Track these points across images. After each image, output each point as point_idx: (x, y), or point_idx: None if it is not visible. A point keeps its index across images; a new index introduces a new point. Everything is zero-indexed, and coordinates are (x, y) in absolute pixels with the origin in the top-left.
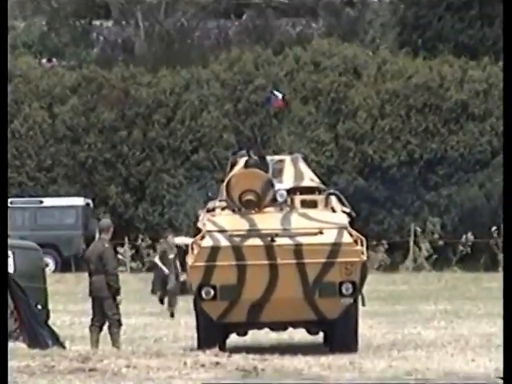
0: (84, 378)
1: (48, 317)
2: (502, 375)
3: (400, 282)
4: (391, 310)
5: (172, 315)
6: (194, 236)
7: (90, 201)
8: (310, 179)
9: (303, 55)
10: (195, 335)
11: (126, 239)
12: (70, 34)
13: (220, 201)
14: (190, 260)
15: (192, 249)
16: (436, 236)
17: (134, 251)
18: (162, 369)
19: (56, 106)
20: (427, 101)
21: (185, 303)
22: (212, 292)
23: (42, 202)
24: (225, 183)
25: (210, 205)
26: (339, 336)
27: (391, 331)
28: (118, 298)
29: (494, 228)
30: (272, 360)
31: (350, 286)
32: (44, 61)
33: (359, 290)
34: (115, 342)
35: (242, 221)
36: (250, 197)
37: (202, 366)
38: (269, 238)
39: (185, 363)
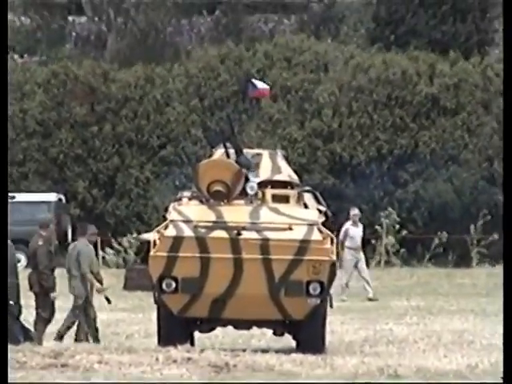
0: (56, 374)
1: (20, 312)
2: (474, 371)
3: (372, 277)
4: (363, 305)
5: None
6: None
7: (62, 196)
8: (286, 175)
9: (274, 51)
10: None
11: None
12: (42, 29)
13: (193, 192)
14: (152, 249)
15: (154, 238)
16: (405, 232)
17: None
18: (134, 364)
19: (26, 101)
20: (396, 96)
21: None
22: (173, 284)
23: (13, 197)
24: (193, 173)
25: (179, 195)
26: (305, 338)
27: (363, 327)
28: (52, 295)
29: (472, 226)
30: (244, 356)
31: (317, 285)
32: (16, 56)
33: (327, 291)
34: (38, 338)
35: (208, 212)
36: (218, 187)
37: (174, 361)
38: (235, 231)
39: (157, 359)
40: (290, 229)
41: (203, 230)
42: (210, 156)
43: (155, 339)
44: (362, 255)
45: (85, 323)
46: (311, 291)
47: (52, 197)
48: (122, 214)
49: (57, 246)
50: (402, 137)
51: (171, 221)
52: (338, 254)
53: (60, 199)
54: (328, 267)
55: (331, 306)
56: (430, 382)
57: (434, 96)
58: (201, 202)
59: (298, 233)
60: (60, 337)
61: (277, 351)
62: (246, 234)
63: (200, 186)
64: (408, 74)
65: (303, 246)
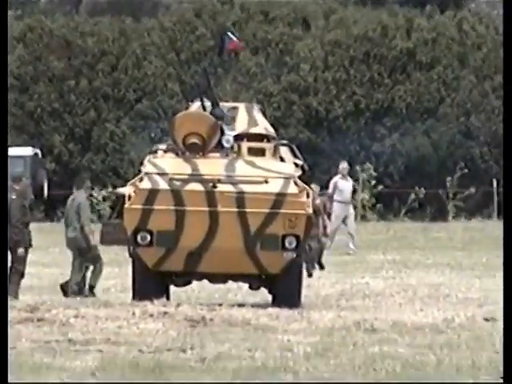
0: (32, 328)
1: None
2: (450, 325)
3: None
4: (339, 259)
5: None
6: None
7: (38, 151)
8: (263, 128)
9: (251, 5)
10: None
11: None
12: None
13: (168, 145)
14: (127, 202)
15: (129, 190)
16: (382, 186)
17: None
18: (111, 319)
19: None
20: (374, 51)
21: None
22: (148, 237)
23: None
24: (169, 125)
25: (155, 148)
26: (281, 292)
27: (339, 281)
28: (19, 250)
29: (448, 178)
30: (220, 310)
31: (293, 239)
32: None
33: (303, 245)
34: (14, 292)
35: (184, 164)
36: (194, 140)
37: (151, 315)
38: (210, 184)
39: (133, 313)
40: (266, 182)
41: (178, 183)
42: (187, 109)
43: (131, 293)
44: (351, 209)
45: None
46: (287, 245)
47: (28, 151)
48: (97, 169)
49: (33, 201)
50: (378, 91)
51: (146, 173)
52: (325, 208)
53: (36, 153)
54: (304, 221)
55: (310, 276)
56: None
57: (410, 50)
58: (176, 154)
59: (274, 186)
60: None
61: (253, 305)
62: (221, 187)
63: (176, 138)
64: (387, 28)
65: (279, 199)
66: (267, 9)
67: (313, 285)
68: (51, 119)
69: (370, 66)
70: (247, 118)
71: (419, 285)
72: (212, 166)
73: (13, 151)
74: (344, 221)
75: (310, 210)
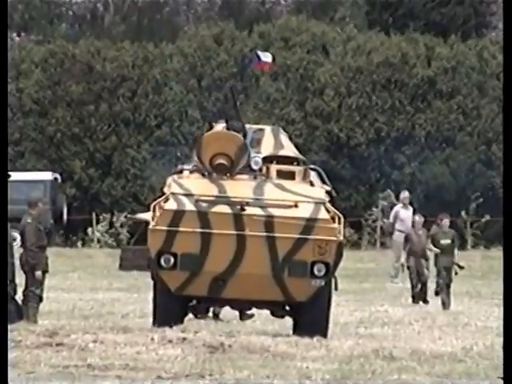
0: (51, 353)
1: (15, 292)
2: (468, 354)
3: (367, 259)
4: (358, 287)
5: None
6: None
7: (57, 175)
8: (291, 151)
9: (271, 31)
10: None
11: (94, 214)
12: (38, 8)
13: (193, 165)
14: (151, 223)
15: (154, 211)
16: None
17: (101, 226)
18: (130, 344)
19: (22, 80)
20: (395, 78)
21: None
22: (172, 260)
23: (9, 176)
24: (196, 144)
25: (179, 167)
26: (308, 321)
27: (358, 309)
28: (37, 273)
29: (464, 209)
30: (239, 337)
31: (322, 266)
32: (14, 34)
33: (333, 272)
34: (31, 315)
35: (211, 186)
36: (221, 160)
37: (170, 341)
38: (238, 207)
39: (152, 339)
40: (296, 206)
41: (205, 205)
42: (210, 129)
43: (151, 319)
44: None
45: None
46: (316, 272)
47: (48, 176)
48: (118, 194)
49: (52, 225)
50: (399, 119)
51: (172, 194)
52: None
53: (56, 178)
54: (334, 247)
55: (336, 289)
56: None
57: (431, 78)
58: (202, 175)
59: (305, 211)
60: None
61: (272, 333)
62: (249, 210)
63: (202, 158)
64: (407, 56)
65: (309, 224)
66: (286, 35)
67: (331, 312)
68: (71, 144)
69: (392, 93)
70: (273, 140)
71: (438, 313)
72: (240, 188)
73: (32, 176)
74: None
75: (341, 237)
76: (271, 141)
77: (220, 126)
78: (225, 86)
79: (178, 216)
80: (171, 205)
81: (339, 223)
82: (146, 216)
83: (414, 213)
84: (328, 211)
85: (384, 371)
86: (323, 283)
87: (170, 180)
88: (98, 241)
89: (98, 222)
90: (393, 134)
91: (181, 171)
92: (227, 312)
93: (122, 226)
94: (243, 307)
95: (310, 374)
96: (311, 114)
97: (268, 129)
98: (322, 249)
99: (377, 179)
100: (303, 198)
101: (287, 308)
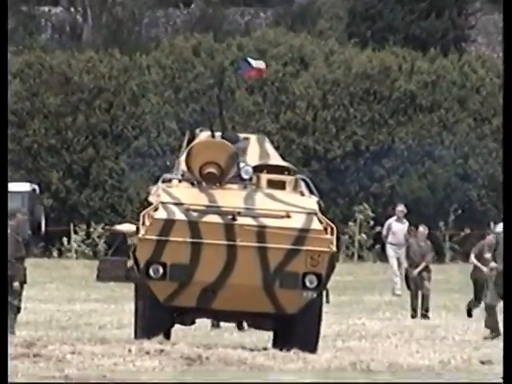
0: (28, 364)
1: None
2: (446, 367)
3: (345, 272)
4: (336, 300)
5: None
6: (143, 209)
7: (36, 186)
8: (280, 160)
9: (249, 44)
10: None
11: (72, 226)
12: (17, 19)
13: (180, 175)
14: (140, 232)
15: (143, 220)
16: (380, 227)
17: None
18: (107, 355)
19: None
20: (375, 91)
21: (129, 290)
22: (161, 270)
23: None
24: (185, 152)
25: (166, 176)
26: (297, 334)
27: (336, 322)
28: (15, 284)
29: (441, 223)
30: (216, 349)
31: (314, 278)
32: None
33: (325, 284)
34: (10, 326)
35: (201, 195)
36: (211, 169)
37: (147, 353)
38: (229, 217)
39: (129, 350)
40: (288, 216)
41: (195, 214)
42: (193, 138)
43: (128, 330)
44: (403, 252)
45: None
46: (307, 284)
47: (26, 187)
48: (96, 205)
49: (30, 236)
50: (379, 132)
51: (161, 203)
52: (338, 247)
53: (34, 189)
54: (327, 259)
55: (327, 301)
56: (402, 381)
57: (412, 92)
58: (191, 184)
59: (297, 221)
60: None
61: (249, 345)
62: (241, 220)
63: (192, 166)
64: (388, 69)
65: (302, 235)
66: (264, 47)
67: None
68: (48, 155)
69: (371, 106)
70: (259, 149)
71: (416, 326)
72: (230, 197)
73: (11, 187)
74: (399, 263)
75: (334, 248)
76: (257, 150)
77: (204, 135)
78: (211, 94)
79: (167, 225)
80: (161, 214)
81: (332, 234)
82: (123, 227)
83: (411, 225)
84: (321, 222)
85: None
86: (315, 295)
87: (158, 189)
88: (76, 251)
89: (75, 233)
90: (372, 147)
91: (169, 180)
92: (201, 322)
93: (99, 236)
94: (232, 319)
95: None
96: (285, 127)
97: (253, 138)
98: (314, 260)
99: (356, 192)
100: (295, 208)
101: (277, 320)
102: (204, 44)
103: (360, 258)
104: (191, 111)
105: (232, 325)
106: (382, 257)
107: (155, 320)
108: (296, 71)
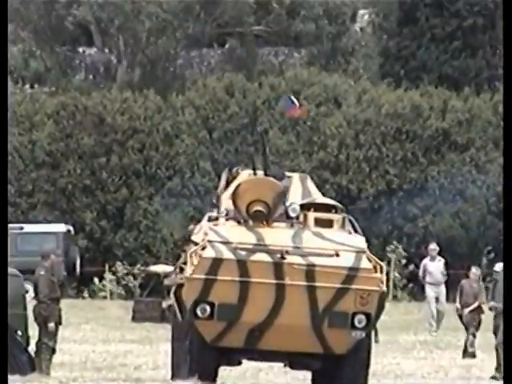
0: None
1: (28, 343)
2: None
3: None
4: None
5: None
6: (185, 248)
7: (70, 227)
8: (328, 199)
9: (281, 83)
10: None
11: (107, 266)
12: (52, 60)
13: (221, 213)
14: (188, 271)
15: (191, 259)
16: (413, 266)
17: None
18: None
19: (35, 132)
20: (407, 130)
21: (164, 331)
22: (209, 310)
23: (22, 228)
24: (232, 190)
25: (212, 214)
26: (346, 375)
27: (371, 361)
28: (50, 325)
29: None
30: None
31: (363, 317)
32: (27, 86)
33: (374, 324)
34: (44, 367)
35: (248, 233)
36: (259, 208)
37: None
38: (278, 255)
39: None
40: (337, 255)
41: (244, 253)
42: (233, 177)
43: (163, 371)
44: (442, 289)
45: None
46: (356, 323)
47: (60, 227)
48: (130, 246)
49: (65, 277)
50: (411, 171)
51: (209, 241)
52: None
53: (69, 230)
54: (376, 298)
55: (376, 341)
56: None
57: (445, 131)
58: (238, 222)
59: (346, 260)
60: None
61: None
62: (289, 259)
63: (239, 204)
64: (420, 108)
65: (351, 274)
66: (297, 88)
67: None
68: (83, 196)
69: (403, 144)
70: (301, 187)
71: (450, 366)
72: (278, 236)
73: (45, 228)
74: (437, 302)
75: (384, 287)
76: (299, 188)
77: (246, 173)
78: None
79: (216, 264)
80: (209, 253)
81: (381, 272)
82: (158, 268)
83: (447, 264)
84: (369, 260)
85: None
86: (364, 335)
87: (201, 227)
88: (111, 293)
89: (112, 274)
90: (405, 185)
91: (216, 218)
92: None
93: (134, 277)
94: (279, 359)
95: None
96: (319, 166)
97: (296, 176)
98: (363, 299)
99: (389, 232)
100: (343, 246)
101: (325, 360)
102: (237, 84)
103: (394, 297)
104: (225, 151)
105: (267, 364)
106: (417, 296)
107: (202, 361)
108: (330, 111)
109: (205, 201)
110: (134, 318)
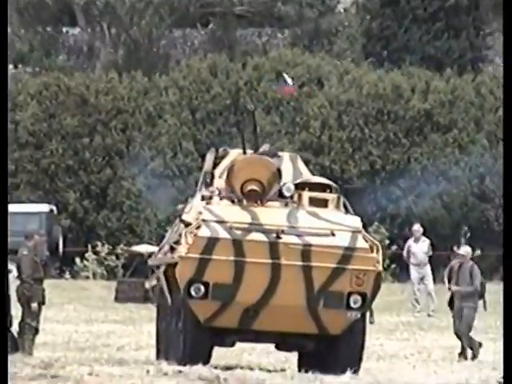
0: None
1: (11, 324)
2: None
3: None
4: None
5: None
6: (163, 237)
7: (53, 207)
8: (321, 178)
9: (265, 64)
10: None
11: (89, 246)
12: (35, 40)
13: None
14: (182, 250)
15: (185, 238)
16: (396, 247)
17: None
18: (125, 377)
19: (18, 112)
20: (389, 111)
21: (147, 311)
22: (203, 289)
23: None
24: (227, 169)
25: (205, 193)
26: (340, 355)
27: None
28: (33, 305)
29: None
30: (235, 370)
31: (359, 298)
32: (10, 66)
33: (369, 304)
34: (27, 347)
35: (243, 213)
36: (253, 187)
37: (165, 374)
38: (274, 235)
39: (147, 371)
40: (333, 235)
41: (239, 232)
42: (223, 157)
43: (146, 351)
44: (428, 270)
45: None
46: (352, 304)
47: (44, 207)
48: (113, 226)
49: (48, 257)
50: (394, 152)
51: (203, 220)
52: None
53: (51, 210)
54: (373, 278)
55: (371, 322)
56: None
57: (427, 112)
58: (232, 201)
59: (342, 239)
60: None
61: (268, 366)
62: (285, 238)
63: (233, 183)
64: (401, 89)
65: (347, 253)
66: (280, 68)
67: None
68: (66, 176)
69: (385, 125)
70: (292, 167)
71: (433, 347)
72: (273, 215)
73: (28, 208)
74: (422, 282)
75: (380, 267)
76: (290, 168)
77: (235, 152)
78: (218, 120)
79: (211, 243)
80: (204, 232)
81: (377, 252)
82: (141, 248)
83: (433, 245)
84: (366, 240)
85: None
86: (359, 315)
87: (192, 207)
88: (94, 273)
89: (94, 254)
90: (388, 166)
91: (209, 198)
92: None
93: (117, 257)
94: (273, 340)
95: None
96: (301, 147)
97: (286, 155)
98: (359, 279)
99: (372, 213)
100: (339, 226)
101: (319, 341)
102: (220, 64)
103: None
104: (208, 132)
105: (250, 345)
106: (400, 277)
107: (195, 341)
108: (313, 91)
109: (187, 181)
110: (116, 299)
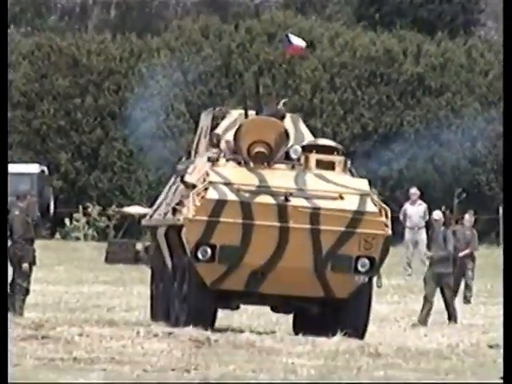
0: (37, 346)
1: None
2: (454, 351)
3: None
4: None
5: None
6: (156, 198)
7: (45, 168)
8: (329, 140)
9: (257, 26)
10: (148, 305)
11: (80, 207)
12: (27, 0)
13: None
14: (189, 212)
15: (193, 200)
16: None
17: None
18: (115, 338)
19: (11, 72)
20: (382, 73)
21: (138, 272)
22: (210, 252)
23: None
24: (234, 131)
25: (212, 155)
26: (347, 319)
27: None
28: (24, 265)
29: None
30: (225, 332)
31: (367, 262)
32: None
33: (377, 268)
34: (18, 308)
35: (250, 175)
36: (260, 149)
37: (155, 335)
38: (282, 197)
39: (138, 333)
40: (342, 198)
41: (247, 195)
42: (223, 117)
43: (136, 312)
44: (423, 235)
45: None
46: (359, 267)
47: (35, 168)
48: (104, 187)
49: (39, 218)
50: (387, 115)
51: (210, 182)
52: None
53: (43, 171)
54: (381, 242)
55: (379, 286)
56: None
57: (420, 75)
58: (238, 163)
59: (351, 203)
60: None
61: (258, 328)
62: (294, 201)
63: (240, 145)
64: (393, 52)
65: (356, 217)
66: (272, 31)
67: None
68: (57, 137)
69: (378, 88)
70: (294, 130)
71: None
72: (281, 177)
73: (19, 168)
74: (416, 246)
75: (389, 231)
76: (291, 130)
77: (236, 113)
78: (210, 81)
79: (219, 206)
80: (212, 194)
81: (386, 216)
82: (132, 209)
83: (430, 209)
84: (374, 204)
85: (369, 367)
86: (366, 279)
87: (195, 168)
88: (85, 234)
89: (85, 215)
90: (380, 129)
91: (217, 159)
92: None
93: (108, 218)
94: (278, 303)
95: (295, 369)
96: (292, 110)
97: (288, 117)
98: (368, 243)
99: (364, 176)
100: (347, 189)
101: (325, 305)
102: (212, 26)
103: None
104: (199, 93)
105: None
106: (393, 241)
107: (200, 304)
108: (305, 54)
109: (179, 143)
110: (107, 260)
